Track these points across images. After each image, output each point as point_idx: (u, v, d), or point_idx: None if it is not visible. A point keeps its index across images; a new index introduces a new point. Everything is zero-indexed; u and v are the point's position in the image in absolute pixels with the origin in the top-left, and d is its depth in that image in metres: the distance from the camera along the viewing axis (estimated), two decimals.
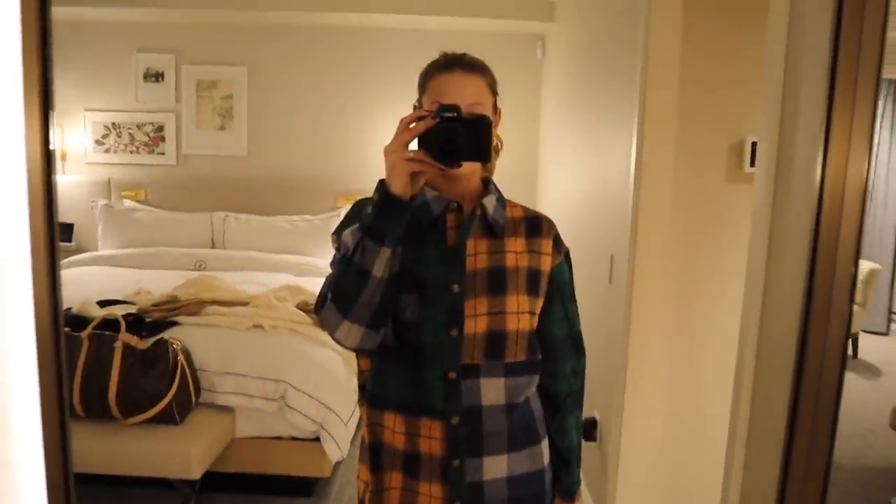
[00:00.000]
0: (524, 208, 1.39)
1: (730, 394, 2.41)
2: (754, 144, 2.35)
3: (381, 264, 1.13)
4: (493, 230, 1.29)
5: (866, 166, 1.03)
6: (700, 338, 2.51)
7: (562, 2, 4.15)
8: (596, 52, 3.22)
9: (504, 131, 4.90)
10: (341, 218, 1.35)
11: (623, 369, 2.48)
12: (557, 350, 1.38)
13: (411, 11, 4.32)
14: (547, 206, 4.38)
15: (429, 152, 1.11)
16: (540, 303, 1.33)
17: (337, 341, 1.22)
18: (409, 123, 1.12)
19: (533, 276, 1.30)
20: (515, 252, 1.30)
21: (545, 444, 1.36)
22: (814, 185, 1.09)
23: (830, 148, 1.04)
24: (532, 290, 1.30)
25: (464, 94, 1.22)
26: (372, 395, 1.31)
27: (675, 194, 2.41)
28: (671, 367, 2.52)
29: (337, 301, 1.17)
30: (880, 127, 6.28)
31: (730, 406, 1.63)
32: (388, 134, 1.17)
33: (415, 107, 1.31)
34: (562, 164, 3.90)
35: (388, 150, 1.12)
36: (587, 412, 2.95)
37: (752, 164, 2.37)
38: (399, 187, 1.11)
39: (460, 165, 1.15)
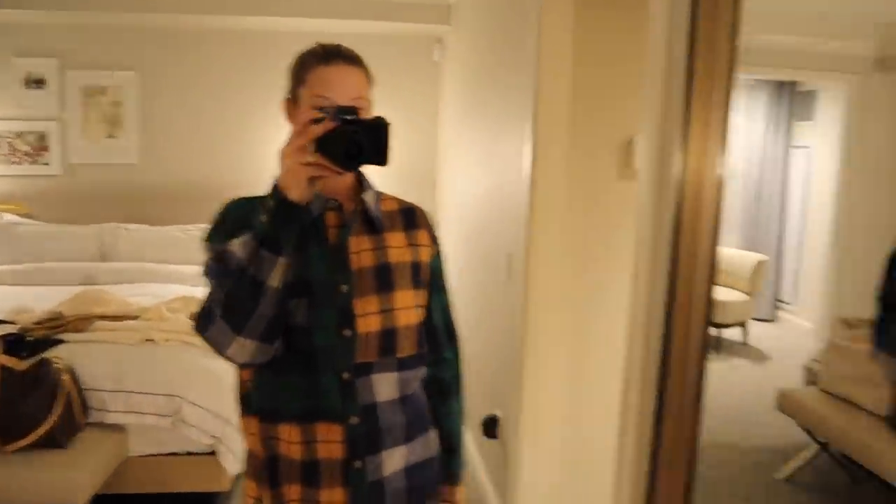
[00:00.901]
0: (398, 200, 1.39)
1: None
2: None
3: (277, 274, 1.10)
4: (374, 226, 1.28)
5: (722, 162, 1.08)
6: (595, 332, 2.57)
7: (458, 4, 4.19)
8: (492, 55, 3.26)
9: (403, 133, 4.90)
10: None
11: (521, 365, 2.52)
12: (439, 338, 1.40)
13: (305, 14, 4.26)
14: (448, 207, 4.40)
15: (329, 156, 1.06)
16: (425, 295, 1.34)
17: (227, 359, 1.17)
18: (306, 126, 1.08)
19: (416, 269, 1.31)
20: (397, 247, 1.30)
21: (434, 432, 1.38)
22: (674, 179, 1.14)
23: (689, 145, 1.09)
24: (417, 283, 1.31)
25: (348, 87, 1.20)
26: (262, 409, 1.26)
27: (568, 192, 2.46)
28: (568, 361, 2.57)
29: (229, 317, 1.11)
30: (766, 127, 6.63)
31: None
32: (281, 139, 1.12)
33: (288, 100, 1.26)
34: (461, 165, 3.94)
35: (286, 154, 1.08)
36: (489, 409, 2.99)
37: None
38: (297, 193, 1.07)
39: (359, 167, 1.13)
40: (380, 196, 1.33)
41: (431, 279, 1.36)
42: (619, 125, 2.48)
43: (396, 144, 4.15)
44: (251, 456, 1.30)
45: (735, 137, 6.73)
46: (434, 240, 1.38)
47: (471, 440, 3.50)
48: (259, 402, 1.26)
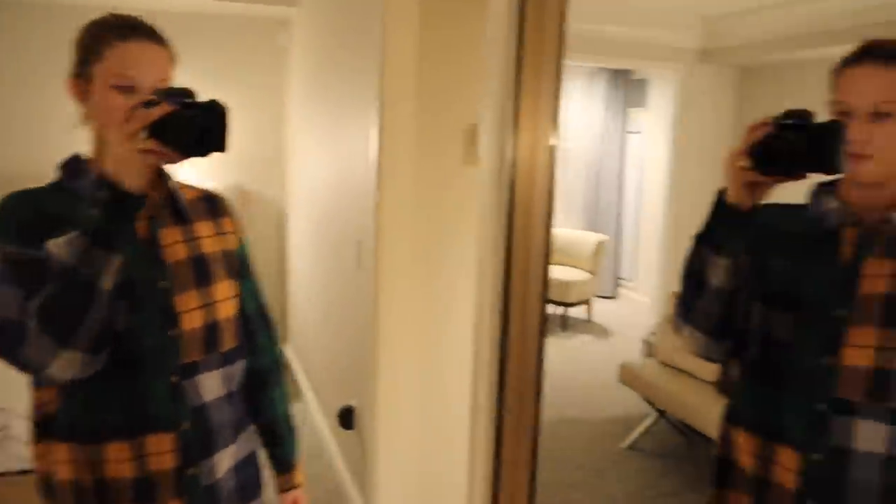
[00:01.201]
0: (196, 188, 1.30)
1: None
2: None
3: (718, 274, 1.07)
4: (182, 216, 1.20)
5: (553, 145, 1.09)
6: (447, 318, 2.58)
7: None
8: (338, 39, 3.19)
9: (251, 119, 4.67)
10: None
11: (374, 355, 2.49)
12: (253, 325, 1.33)
13: None
14: (298, 195, 4.29)
15: (169, 143, 0.96)
16: (237, 284, 1.28)
17: (46, 378, 1.04)
18: (753, 130, 1.01)
19: (228, 258, 1.26)
20: (208, 236, 1.23)
21: (253, 425, 1.34)
22: (507, 162, 1.15)
23: (520, 129, 1.10)
24: (231, 273, 1.26)
25: (156, 67, 1.10)
26: (77, 430, 1.12)
27: (416, 179, 2.45)
28: (421, 347, 2.57)
29: (50, 329, 0.97)
30: (604, 113, 6.96)
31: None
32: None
33: (76, 77, 1.11)
34: (311, 152, 3.84)
35: (727, 160, 1.03)
36: (345, 400, 2.94)
37: None
38: (133, 182, 0.97)
39: (804, 176, 1.01)
40: (178, 185, 1.23)
41: (241, 265, 1.30)
42: (463, 111, 2.48)
43: (243, 132, 3.94)
44: (61, 488, 1.14)
45: (576, 122, 7.03)
46: (237, 227, 1.32)
47: (327, 431, 3.45)
48: (71, 422, 1.12)
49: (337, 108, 3.17)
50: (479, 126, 1.52)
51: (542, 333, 1.20)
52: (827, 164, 0.96)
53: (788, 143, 0.97)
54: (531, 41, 1.08)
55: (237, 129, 4.46)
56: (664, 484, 3.32)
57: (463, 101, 2.49)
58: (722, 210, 1.06)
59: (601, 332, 5.99)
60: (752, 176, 1.02)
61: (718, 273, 1.08)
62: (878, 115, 1.01)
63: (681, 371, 3.54)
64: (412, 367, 2.56)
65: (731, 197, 1.05)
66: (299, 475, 1.41)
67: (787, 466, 1.10)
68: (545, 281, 1.20)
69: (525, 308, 1.19)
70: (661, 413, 3.67)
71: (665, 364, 3.65)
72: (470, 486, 1.62)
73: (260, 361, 1.34)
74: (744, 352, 1.17)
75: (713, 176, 1.11)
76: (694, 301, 1.11)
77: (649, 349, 3.97)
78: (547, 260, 1.19)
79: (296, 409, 3.90)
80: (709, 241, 1.08)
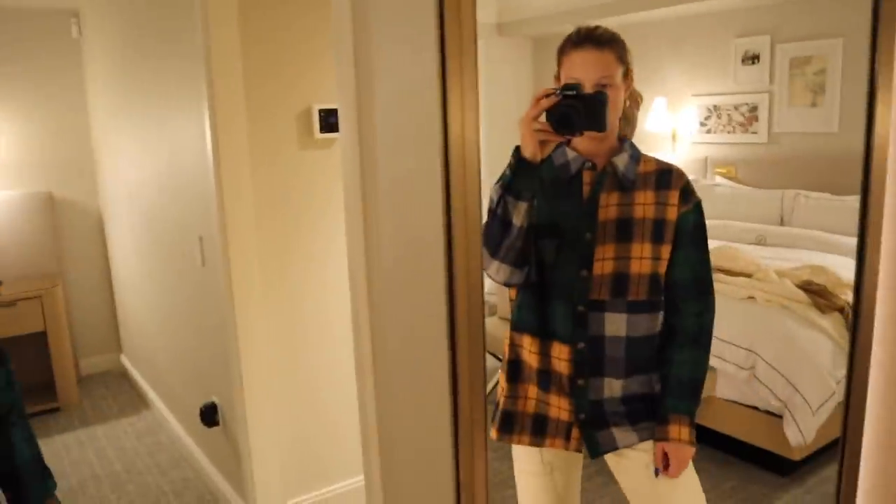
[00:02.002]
0: (657, 161, 1.48)
1: (340, 346, 2.60)
2: (321, 112, 2.50)
3: (519, 215, 1.33)
4: (624, 184, 1.43)
5: (478, 120, 1.23)
6: (303, 301, 2.63)
7: None
8: (149, 30, 3.05)
9: (47, 117, 4.34)
10: None
11: (236, 351, 2.48)
12: (680, 291, 1.47)
13: None
14: (115, 193, 4.06)
15: (550, 124, 1.27)
16: (665, 249, 1.44)
17: (489, 277, 1.41)
18: (539, 100, 1.28)
19: (658, 225, 1.43)
20: (644, 204, 1.43)
21: (656, 375, 1.50)
22: (437, 142, 1.24)
23: (449, 107, 1.20)
24: (657, 237, 1.43)
25: (591, 69, 1.36)
26: (514, 321, 1.52)
27: (254, 169, 2.45)
28: (282, 340, 2.60)
29: (487, 244, 1.37)
30: None
31: (346, 359, 1.74)
32: None
33: (555, 78, 1.45)
34: (127, 148, 3.64)
35: (521, 123, 1.29)
36: (205, 398, 2.89)
37: (322, 130, 2.52)
38: (529, 152, 1.29)
39: (581, 134, 1.30)
40: (638, 158, 1.46)
41: (679, 235, 1.45)
42: (295, 95, 2.52)
43: (46, 135, 3.69)
44: (505, 359, 1.56)
45: None
46: (686, 199, 1.45)
47: (187, 436, 3.35)
48: (514, 315, 1.52)
49: (158, 101, 3.04)
50: (340, 109, 1.58)
51: (483, 319, 1.36)
52: (600, 124, 1.30)
53: (575, 109, 1.27)
54: (453, 20, 1.18)
55: (38, 134, 4.23)
56: None
57: (293, 86, 2.52)
58: (521, 164, 1.31)
59: None
60: (545, 135, 1.29)
61: (520, 215, 1.34)
62: (600, 86, 1.35)
63: None
64: (278, 357, 2.58)
65: (527, 152, 1.30)
66: (675, 430, 1.46)
67: (560, 357, 1.46)
68: (482, 257, 1.35)
69: (469, 287, 1.31)
70: None
71: (505, 319, 3.90)
72: (365, 454, 1.71)
73: (679, 322, 1.48)
74: (529, 276, 1.46)
75: (516, 140, 1.33)
76: (502, 239, 1.36)
77: (490, 309, 4.22)
78: (481, 221, 1.33)
79: (143, 418, 3.78)
80: (511, 190, 1.33)
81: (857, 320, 1.00)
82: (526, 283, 1.45)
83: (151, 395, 3.94)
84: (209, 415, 2.82)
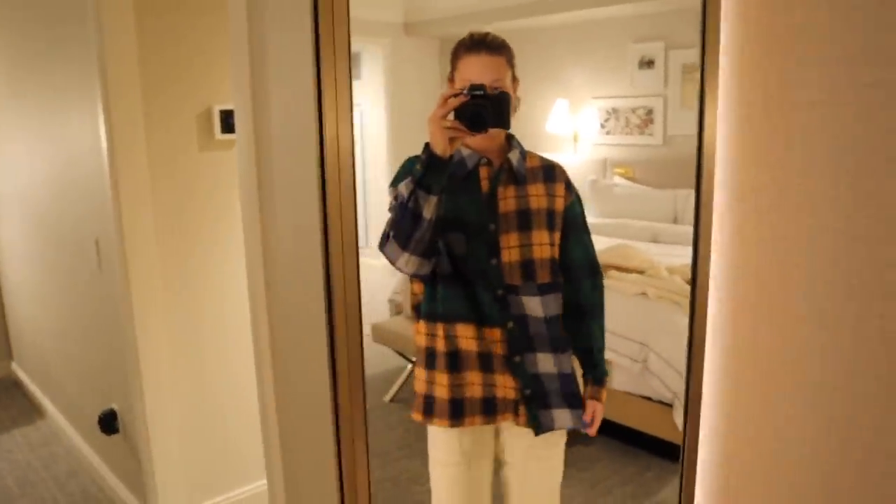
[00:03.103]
0: (540, 158, 1.62)
1: (242, 350, 2.58)
2: (222, 112, 2.48)
3: (429, 209, 1.41)
4: (518, 178, 1.55)
5: (350, 119, 1.27)
6: (204, 304, 2.60)
7: None
8: (37, 26, 2.94)
9: None
10: None
11: (135, 356, 2.43)
12: (576, 272, 1.64)
13: None
14: (6, 195, 3.88)
15: (462, 122, 1.37)
16: (557, 236, 1.59)
17: (398, 269, 1.49)
18: (447, 99, 1.37)
19: (550, 214, 1.58)
20: (537, 195, 1.57)
21: (571, 355, 1.65)
22: (313, 143, 1.27)
23: (324, 113, 1.23)
24: (550, 225, 1.57)
25: (486, 72, 1.46)
26: (431, 314, 1.58)
27: (152, 170, 2.41)
28: (183, 343, 2.56)
29: (397, 238, 1.45)
30: None
31: (248, 362, 1.75)
32: None
33: (449, 80, 1.54)
34: (17, 149, 3.48)
35: (431, 120, 1.38)
36: (103, 405, 2.82)
37: (223, 131, 2.50)
38: (440, 149, 1.38)
39: (486, 131, 1.39)
40: (525, 155, 1.59)
41: (568, 223, 1.61)
42: (194, 94, 2.49)
43: None
44: (420, 351, 1.63)
45: None
46: (570, 191, 1.62)
47: (84, 444, 3.25)
48: (427, 309, 1.59)
49: (49, 99, 2.94)
50: (235, 109, 1.59)
51: (360, 307, 1.40)
52: (505, 121, 1.44)
53: (485, 108, 1.39)
54: (326, 25, 1.21)
55: None
56: (425, 430, 3.64)
57: (192, 85, 2.49)
58: (431, 160, 1.40)
59: None
60: (455, 132, 1.38)
61: (430, 208, 1.42)
62: (493, 88, 1.44)
63: None
64: (179, 359, 2.54)
65: (438, 148, 1.39)
66: (604, 393, 1.69)
67: (494, 338, 1.57)
68: (357, 254, 1.38)
69: (346, 282, 1.35)
70: (414, 363, 3.98)
71: (411, 317, 3.95)
72: (267, 456, 1.72)
73: (583, 300, 1.65)
74: (437, 266, 1.57)
75: (426, 138, 1.42)
76: (412, 232, 1.44)
77: (396, 307, 4.26)
78: (356, 234, 1.36)
79: (37, 428, 3.63)
80: (423, 184, 1.41)
81: (693, 305, 1.09)
82: (437, 275, 1.55)
83: (46, 404, 3.79)
84: (108, 422, 2.74)
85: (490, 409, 1.61)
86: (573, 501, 2.72)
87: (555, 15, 5.08)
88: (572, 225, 1.62)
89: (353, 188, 1.31)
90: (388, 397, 3.92)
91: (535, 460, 1.69)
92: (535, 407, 1.60)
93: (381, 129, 6.39)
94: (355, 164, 1.32)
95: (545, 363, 1.60)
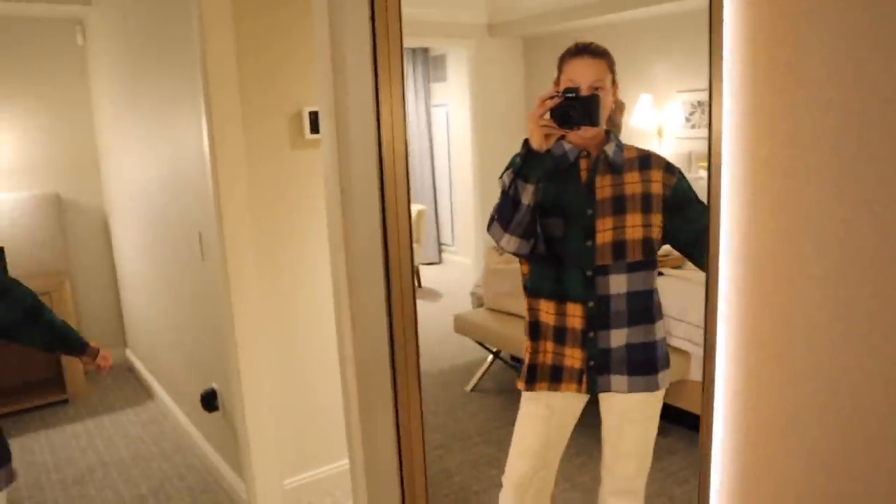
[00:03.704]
0: (637, 149, 1.75)
1: (327, 335, 2.75)
2: (311, 114, 2.66)
3: (527, 196, 1.59)
4: (614, 168, 1.69)
5: (404, 127, 1.40)
6: (295, 291, 2.78)
7: None
8: (146, 35, 3.21)
9: (57, 125, 4.47)
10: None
11: (232, 339, 2.64)
12: (700, 239, 1.67)
13: None
14: (118, 192, 4.22)
15: (554, 120, 1.52)
16: (656, 217, 1.71)
17: (501, 247, 1.68)
18: (544, 101, 1.52)
19: (646, 198, 1.70)
20: (632, 183, 1.69)
21: (659, 324, 1.80)
22: (373, 144, 1.41)
23: (381, 115, 1.37)
24: (646, 208, 1.70)
25: (587, 74, 1.61)
26: (531, 289, 1.81)
27: (249, 167, 2.60)
28: (276, 328, 2.75)
29: (500, 220, 1.64)
30: (408, 91, 7.29)
31: (335, 347, 1.89)
32: None
33: (554, 83, 1.69)
34: (130, 150, 3.80)
35: (529, 118, 1.54)
36: (205, 384, 3.05)
37: (312, 131, 2.68)
38: (536, 144, 1.54)
39: (579, 128, 1.54)
40: (622, 147, 1.72)
41: (676, 200, 1.70)
42: (286, 97, 2.67)
43: (52, 139, 3.83)
44: (526, 319, 1.85)
45: None
46: (671, 173, 1.72)
47: (190, 424, 3.52)
48: (530, 283, 1.82)
49: (158, 105, 3.20)
50: (320, 112, 1.74)
51: (415, 300, 1.56)
52: (595, 121, 1.56)
53: (574, 109, 1.53)
54: (382, 31, 1.35)
55: (46, 138, 4.39)
56: (507, 416, 3.71)
57: (285, 88, 2.67)
58: (529, 153, 1.57)
59: (432, 295, 6.35)
60: (550, 129, 1.54)
61: (528, 195, 1.60)
62: (593, 90, 1.60)
63: (505, 313, 3.97)
64: (270, 340, 2.73)
65: (535, 144, 1.55)
66: None
67: (574, 314, 1.75)
68: (412, 253, 1.54)
69: (401, 273, 1.50)
70: (496, 354, 4.09)
71: (492, 309, 4.06)
72: (349, 435, 1.87)
73: (696, 258, 1.72)
74: (535, 247, 1.74)
75: (509, 138, 1.57)
76: (513, 216, 1.63)
77: (477, 300, 4.37)
78: (410, 234, 1.51)
79: (147, 408, 3.95)
80: (521, 175, 1.59)
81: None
82: (536, 256, 1.74)
83: (155, 386, 4.11)
84: (209, 400, 2.98)
85: (557, 376, 1.81)
86: (648, 489, 2.75)
87: (640, 9, 5.06)
88: (682, 201, 1.72)
89: (407, 187, 1.47)
90: (469, 387, 4.03)
91: (629, 423, 1.85)
92: (594, 373, 1.77)
93: (466, 129, 6.51)
94: (408, 168, 1.46)
95: (617, 338, 1.76)
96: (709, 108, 1.14)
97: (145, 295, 4.05)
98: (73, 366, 4.12)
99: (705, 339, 1.15)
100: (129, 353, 4.74)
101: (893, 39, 0.84)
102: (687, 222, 1.73)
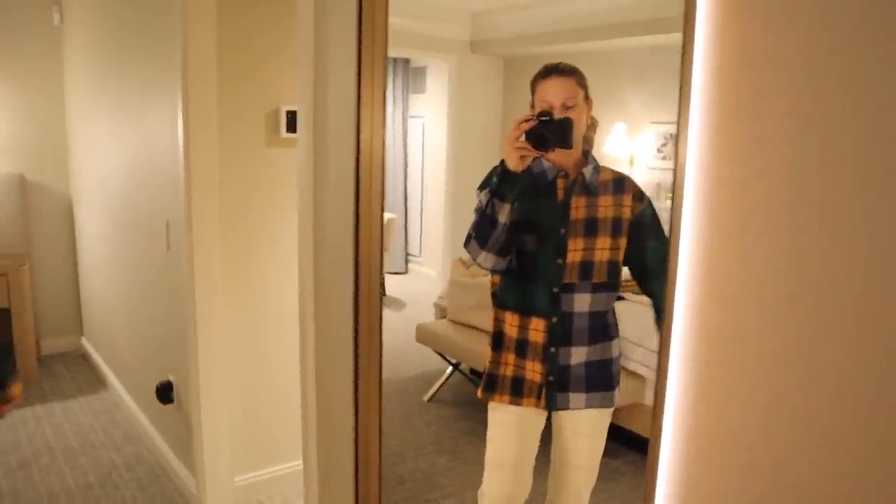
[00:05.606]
0: (612, 171, 1.80)
1: (291, 335, 2.76)
2: (288, 113, 2.68)
3: (504, 214, 1.64)
4: (590, 190, 1.74)
5: (384, 133, 1.43)
6: (261, 287, 2.78)
7: None
8: (129, 23, 3.20)
9: (28, 105, 4.41)
10: None
11: (194, 332, 2.62)
12: (652, 268, 1.77)
13: None
14: (86, 177, 4.17)
15: (529, 142, 1.57)
16: (622, 240, 1.76)
17: (478, 265, 1.73)
18: (519, 123, 1.57)
19: (616, 222, 1.75)
20: (605, 206, 1.75)
21: (616, 342, 1.85)
22: (351, 148, 1.43)
23: (362, 119, 1.40)
24: (615, 232, 1.75)
25: (558, 92, 1.67)
26: (499, 301, 1.84)
27: (223, 161, 2.61)
28: (239, 324, 2.75)
29: (478, 238, 1.68)
30: (393, 104, 7.33)
31: (295, 345, 1.91)
32: None
33: (530, 106, 1.75)
34: (100, 135, 3.76)
35: (505, 140, 1.59)
36: (161, 376, 3.03)
37: (288, 130, 2.70)
38: (512, 165, 1.59)
39: (553, 150, 1.59)
40: (599, 169, 1.76)
41: (640, 226, 1.75)
42: (264, 95, 2.69)
43: (22, 120, 3.78)
44: (491, 332, 1.88)
45: None
46: (640, 200, 1.77)
47: (142, 414, 3.48)
48: (499, 295, 1.85)
49: (133, 92, 3.18)
50: (298, 111, 1.76)
51: (381, 304, 1.58)
52: (568, 143, 1.61)
53: (549, 131, 1.59)
54: (367, 37, 1.38)
55: (15, 118, 4.33)
56: (461, 427, 3.76)
57: (263, 86, 2.69)
58: (505, 173, 1.62)
59: (395, 304, 6.35)
60: (526, 151, 1.60)
61: (504, 214, 1.66)
62: (566, 108, 1.66)
63: (467, 326, 4.00)
64: (231, 336, 2.73)
65: (511, 164, 1.61)
66: None
67: (537, 329, 1.80)
68: (381, 257, 1.56)
69: (370, 278, 1.52)
70: (455, 367, 4.12)
71: (454, 321, 4.09)
72: (304, 436, 1.88)
73: (654, 291, 1.77)
74: (510, 263, 1.80)
75: (485, 153, 1.63)
76: (490, 234, 1.68)
77: (440, 312, 4.40)
78: (382, 238, 1.54)
79: (100, 397, 3.89)
80: (497, 194, 1.64)
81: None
82: (507, 269, 1.78)
83: (110, 376, 4.05)
84: (164, 392, 2.95)
85: (517, 389, 1.85)
86: None
87: (616, 40, 5.17)
88: (645, 228, 1.77)
89: (382, 193, 1.50)
90: (426, 397, 4.05)
91: (583, 437, 1.90)
92: (553, 389, 1.81)
93: (442, 142, 6.57)
94: (384, 172, 1.49)
95: (577, 355, 1.80)
96: (675, 141, 1.19)
97: (105, 282, 4.00)
98: (25, 349, 4.04)
99: (658, 364, 1.19)
100: (84, 340, 4.66)
101: (848, 77, 0.90)
102: (643, 250, 1.78)
